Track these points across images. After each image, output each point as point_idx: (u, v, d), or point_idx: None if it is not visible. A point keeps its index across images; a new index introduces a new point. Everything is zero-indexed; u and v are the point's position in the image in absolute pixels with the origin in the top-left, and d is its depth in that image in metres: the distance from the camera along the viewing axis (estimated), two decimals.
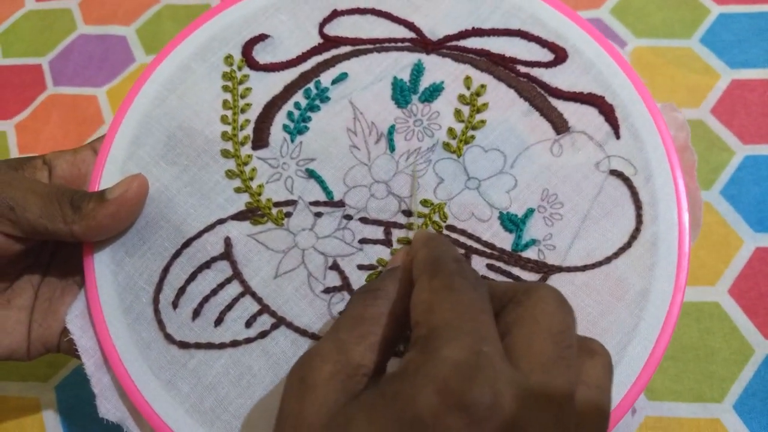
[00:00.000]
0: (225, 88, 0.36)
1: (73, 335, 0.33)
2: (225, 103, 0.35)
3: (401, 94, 0.35)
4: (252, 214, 0.34)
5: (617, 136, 0.34)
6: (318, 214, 0.34)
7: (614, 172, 0.33)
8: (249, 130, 0.35)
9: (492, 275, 0.33)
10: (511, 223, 0.33)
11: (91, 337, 0.33)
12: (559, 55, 0.35)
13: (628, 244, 0.32)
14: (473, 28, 0.35)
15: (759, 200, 0.43)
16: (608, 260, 0.32)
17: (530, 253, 0.33)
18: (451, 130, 0.34)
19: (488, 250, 0.33)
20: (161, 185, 0.34)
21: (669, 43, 0.48)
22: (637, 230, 0.33)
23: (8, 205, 0.31)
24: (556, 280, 0.32)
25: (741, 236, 0.42)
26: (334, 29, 0.36)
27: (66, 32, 0.55)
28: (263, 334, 0.32)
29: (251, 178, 0.34)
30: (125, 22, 0.55)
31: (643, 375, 0.31)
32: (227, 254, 0.34)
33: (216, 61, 0.36)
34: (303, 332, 0.32)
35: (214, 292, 0.33)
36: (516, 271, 0.33)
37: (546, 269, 0.32)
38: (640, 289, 0.32)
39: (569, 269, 0.32)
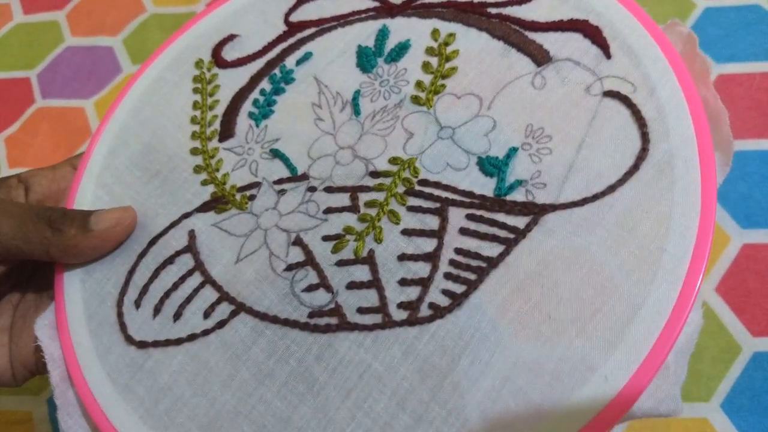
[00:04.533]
0: (195, 90, 0.35)
1: (41, 343, 0.31)
2: (195, 104, 0.35)
3: (366, 59, 0.32)
4: (216, 202, 0.32)
5: (608, 56, 0.29)
6: (281, 192, 0.31)
7: (609, 93, 0.28)
8: (217, 125, 0.34)
9: (473, 226, 0.27)
10: (492, 166, 0.28)
11: (59, 347, 0.31)
12: None
13: (635, 167, 0.26)
14: None
15: (745, 196, 0.41)
16: (612, 189, 0.26)
17: (516, 196, 0.27)
18: (419, 83, 0.31)
19: (467, 200, 0.28)
20: (134, 192, 0.33)
21: None
22: (644, 150, 0.27)
23: None
24: (549, 221, 0.26)
25: (728, 233, 0.40)
26: (299, 16, 0.35)
27: (54, 44, 0.56)
28: (221, 324, 0.29)
29: (217, 169, 0.32)
30: (112, 32, 0.55)
31: (673, 320, 0.24)
32: (190, 246, 0.31)
33: (188, 68, 0.36)
34: (263, 316, 0.28)
35: (176, 286, 0.30)
36: (501, 217, 0.27)
37: (536, 210, 0.27)
38: (658, 215, 0.25)
39: (564, 206, 0.27)
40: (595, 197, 0.26)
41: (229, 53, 0.35)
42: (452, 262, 0.27)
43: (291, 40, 0.35)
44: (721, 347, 0.37)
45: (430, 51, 0.32)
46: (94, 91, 0.52)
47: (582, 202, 0.26)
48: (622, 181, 0.26)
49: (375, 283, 0.28)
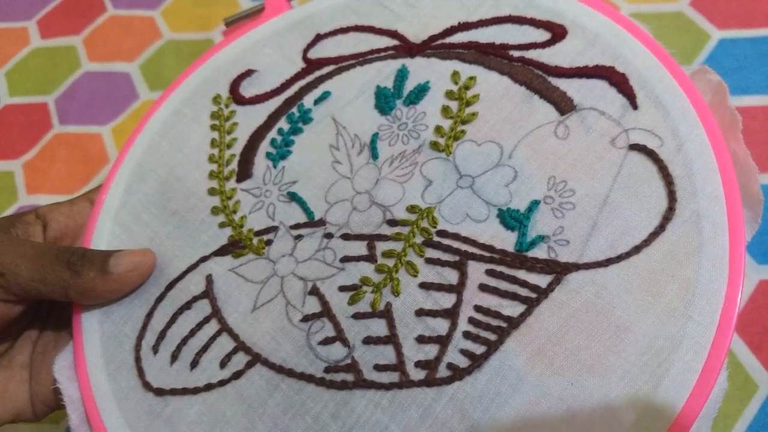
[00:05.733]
0: (213, 127, 0.35)
1: (60, 385, 0.31)
2: (213, 142, 0.34)
3: (385, 101, 0.32)
4: (234, 247, 0.31)
5: (634, 106, 0.28)
6: (298, 237, 0.30)
7: (635, 147, 0.27)
8: (234, 165, 0.33)
9: (494, 282, 0.27)
10: (513, 219, 0.27)
11: (78, 388, 0.31)
12: (557, 33, 0.30)
13: (661, 227, 0.26)
14: (459, 23, 0.32)
15: (762, 231, 0.40)
16: (637, 250, 0.26)
17: (538, 252, 0.27)
18: (438, 128, 0.30)
19: (487, 254, 0.27)
20: (151, 232, 0.33)
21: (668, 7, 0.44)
22: (670, 210, 0.26)
23: None
24: (572, 281, 0.26)
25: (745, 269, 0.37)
26: (317, 52, 0.35)
27: (71, 70, 0.55)
28: (237, 375, 0.29)
29: (234, 211, 0.32)
30: (129, 58, 0.55)
31: (698, 390, 0.23)
32: (207, 292, 0.31)
33: (205, 103, 0.36)
34: (279, 369, 0.28)
35: (193, 332, 0.30)
36: (522, 274, 0.27)
37: (559, 269, 0.26)
38: (684, 280, 0.25)
39: (588, 266, 0.26)
40: (619, 258, 0.26)
41: (247, 89, 0.35)
42: (471, 320, 0.27)
43: (309, 78, 0.34)
44: (738, 385, 0.36)
45: (449, 95, 0.31)
46: (111, 117, 0.52)
47: (606, 263, 0.26)
48: (647, 242, 0.26)
49: (392, 339, 0.27)
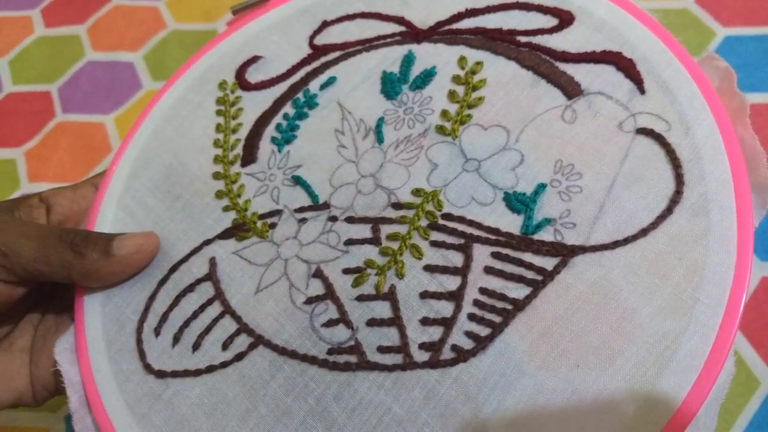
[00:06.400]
0: (218, 113, 0.35)
1: (61, 367, 0.31)
2: (218, 127, 0.34)
3: (391, 86, 0.32)
4: (237, 230, 0.31)
5: (642, 91, 0.28)
6: (302, 221, 0.30)
7: (643, 131, 0.27)
8: (239, 149, 0.33)
9: (499, 265, 0.27)
10: (519, 202, 0.27)
11: (78, 371, 0.31)
12: (564, 19, 0.30)
13: (668, 210, 0.25)
14: (466, 9, 0.32)
15: (765, 228, 0.39)
16: (644, 232, 0.25)
17: (544, 235, 0.27)
18: (444, 113, 0.30)
19: (492, 237, 0.27)
20: (155, 215, 0.33)
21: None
22: (677, 193, 0.26)
23: (1, 252, 0.30)
24: (579, 264, 0.26)
25: None
26: (323, 39, 0.35)
27: (74, 59, 0.55)
28: (240, 356, 0.28)
29: (239, 195, 0.32)
30: (132, 48, 0.55)
31: (705, 374, 0.23)
32: (210, 274, 0.31)
33: (211, 89, 0.36)
34: (282, 351, 0.28)
35: (195, 315, 0.30)
36: (528, 257, 0.26)
37: (565, 251, 0.26)
38: (692, 262, 0.24)
39: (595, 248, 0.26)
40: (626, 240, 0.26)
41: (253, 75, 0.35)
42: (476, 303, 0.26)
43: (315, 64, 0.34)
44: (739, 381, 0.36)
45: (456, 79, 0.31)
46: (114, 106, 0.52)
47: (613, 245, 0.26)
48: (654, 225, 0.25)
49: (396, 321, 0.27)
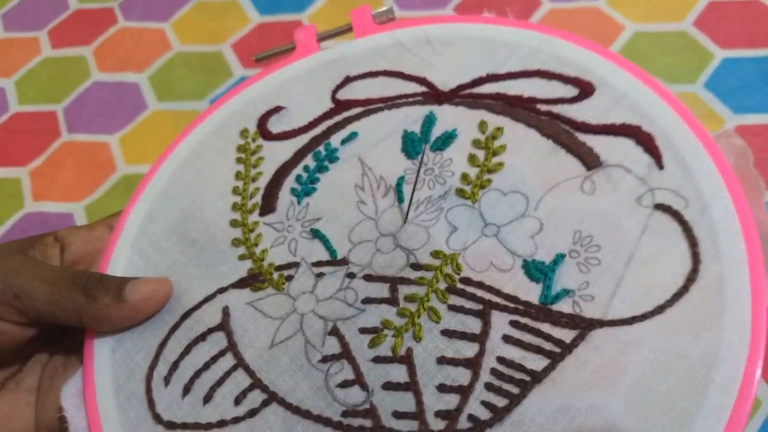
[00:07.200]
0: (238, 160, 0.35)
1: (66, 413, 0.31)
2: (238, 175, 0.35)
3: (412, 145, 0.32)
4: (253, 280, 0.31)
5: (660, 166, 0.29)
6: (320, 275, 0.30)
7: (660, 207, 0.28)
8: (258, 198, 0.34)
9: (517, 334, 0.27)
10: (538, 271, 0.28)
11: (85, 417, 0.31)
12: (585, 89, 0.31)
13: (684, 289, 0.26)
14: (487, 74, 0.33)
15: None
16: (661, 309, 0.26)
17: (563, 306, 0.27)
18: (464, 176, 0.31)
19: (511, 304, 0.27)
20: (170, 260, 0.33)
21: (673, 88, 0.44)
22: (694, 271, 0.26)
23: (14, 294, 0.30)
24: (597, 338, 0.26)
25: None
26: (346, 93, 0.35)
27: (81, 79, 0.56)
28: (252, 413, 0.28)
29: (256, 244, 0.32)
30: (138, 69, 0.56)
31: None
32: (223, 324, 0.31)
33: (232, 136, 0.36)
34: (295, 409, 0.28)
35: (207, 365, 0.30)
36: (546, 327, 0.27)
37: (584, 324, 0.26)
38: (706, 342, 0.25)
39: (613, 323, 0.26)
40: (643, 317, 0.26)
41: (275, 125, 0.35)
42: (494, 372, 0.27)
43: (337, 118, 0.34)
44: None
45: (476, 143, 0.31)
46: (119, 126, 0.53)
47: (631, 321, 0.26)
48: (671, 302, 0.26)
49: (412, 386, 0.27)
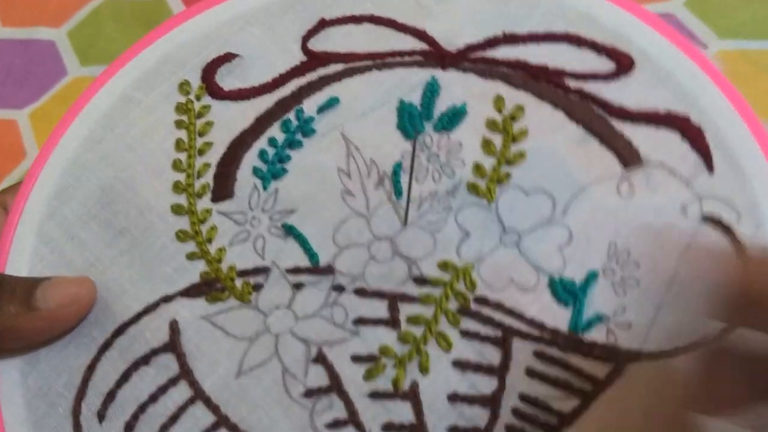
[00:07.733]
0: (179, 124, 0.27)
1: None
2: (179, 144, 0.27)
3: (410, 121, 0.26)
4: (208, 287, 0.25)
5: (710, 168, 0.24)
6: (298, 286, 0.25)
7: (709, 219, 0.24)
8: (209, 177, 0.26)
9: (543, 368, 0.23)
10: (567, 292, 0.23)
11: None
12: (623, 63, 0.26)
13: None
14: (504, 34, 0.27)
15: None
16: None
17: (596, 334, 0.23)
18: (478, 167, 0.25)
19: (535, 332, 0.23)
20: (91, 255, 0.26)
21: (761, 45, 0.39)
22: None
23: None
24: (635, 372, 0.23)
25: None
26: (321, 43, 0.28)
27: None
28: None
29: (209, 240, 0.26)
30: (54, 23, 0.46)
31: None
32: (173, 344, 0.24)
33: (168, 90, 0.28)
34: None
35: (154, 397, 0.24)
36: (576, 360, 0.23)
37: (620, 357, 0.23)
38: None
39: (653, 356, 0.23)
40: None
41: (227, 79, 0.28)
42: (516, 413, 0.23)
43: (311, 76, 0.27)
44: None
45: (492, 125, 0.26)
46: (29, 99, 0.43)
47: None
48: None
49: (419, 428, 0.23)
